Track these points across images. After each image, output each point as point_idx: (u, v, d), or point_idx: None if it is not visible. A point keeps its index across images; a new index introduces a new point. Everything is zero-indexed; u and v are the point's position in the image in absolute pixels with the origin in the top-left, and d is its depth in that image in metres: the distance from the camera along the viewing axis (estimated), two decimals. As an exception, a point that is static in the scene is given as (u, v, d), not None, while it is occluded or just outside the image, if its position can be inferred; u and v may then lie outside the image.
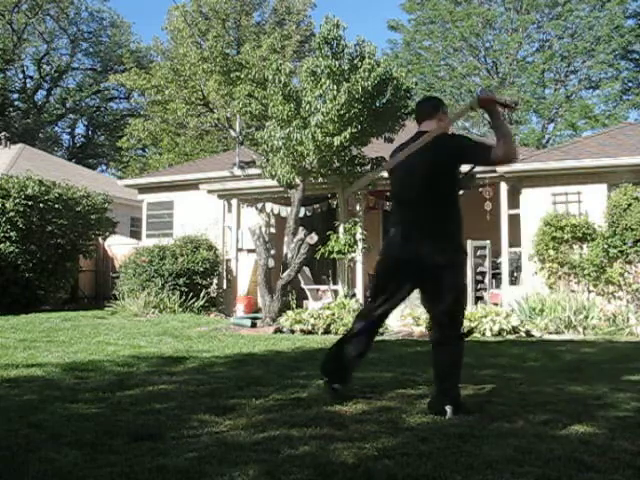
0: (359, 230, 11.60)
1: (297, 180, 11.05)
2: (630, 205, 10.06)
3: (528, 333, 8.73)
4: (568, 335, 8.84)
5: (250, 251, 12.36)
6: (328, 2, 33.80)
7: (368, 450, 2.77)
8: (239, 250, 13.11)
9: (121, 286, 12.42)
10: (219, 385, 4.36)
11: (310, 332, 8.86)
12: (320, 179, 11.36)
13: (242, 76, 13.41)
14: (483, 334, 8.46)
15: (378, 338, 8.28)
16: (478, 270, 11.53)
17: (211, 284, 12.78)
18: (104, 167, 39.45)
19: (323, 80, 10.43)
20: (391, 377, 4.70)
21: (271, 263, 10.80)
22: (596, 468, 2.54)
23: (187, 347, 6.84)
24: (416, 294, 3.82)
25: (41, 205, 12.58)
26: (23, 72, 36.10)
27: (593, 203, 10.67)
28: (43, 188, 12.82)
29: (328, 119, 10.23)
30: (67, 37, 35.82)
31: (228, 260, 13.23)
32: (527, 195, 11.27)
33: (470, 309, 9.99)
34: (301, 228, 10.53)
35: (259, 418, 3.37)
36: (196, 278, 12.27)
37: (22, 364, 5.36)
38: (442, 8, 27.65)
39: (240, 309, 11.92)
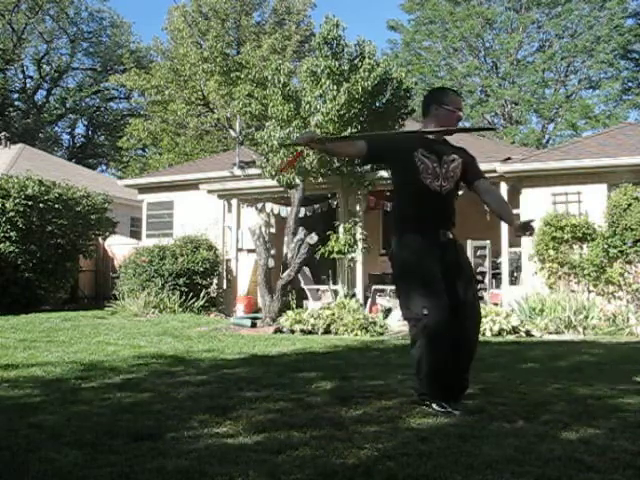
0: (359, 230, 11.60)
1: (297, 180, 11.05)
2: (630, 205, 10.06)
3: (528, 333, 8.73)
4: (568, 335, 8.84)
5: (250, 251, 12.36)
6: (328, 2, 33.84)
7: (368, 450, 2.77)
8: (239, 250, 13.11)
9: (121, 286, 12.42)
10: (219, 385, 4.36)
11: (310, 332, 8.86)
12: (320, 179, 11.37)
13: (242, 76, 13.43)
14: (483, 334, 8.44)
15: (379, 338, 8.33)
16: (478, 270, 11.52)
17: (211, 284, 12.78)
18: (104, 167, 39.48)
19: (323, 80, 10.44)
20: (391, 377, 4.70)
21: (271, 263, 10.80)
22: (596, 468, 2.54)
23: (187, 347, 6.84)
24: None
25: (41, 205, 12.57)
26: (23, 72, 36.15)
27: (593, 203, 10.67)
28: (43, 188, 12.81)
29: (328, 119, 10.24)
30: (67, 37, 35.81)
31: (228, 260, 13.23)
32: (527, 195, 11.27)
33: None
34: (301, 228, 10.53)
35: (259, 418, 3.37)
36: (196, 278, 12.27)
37: (22, 364, 5.36)
38: (442, 8, 27.65)
39: (240, 309, 11.92)
